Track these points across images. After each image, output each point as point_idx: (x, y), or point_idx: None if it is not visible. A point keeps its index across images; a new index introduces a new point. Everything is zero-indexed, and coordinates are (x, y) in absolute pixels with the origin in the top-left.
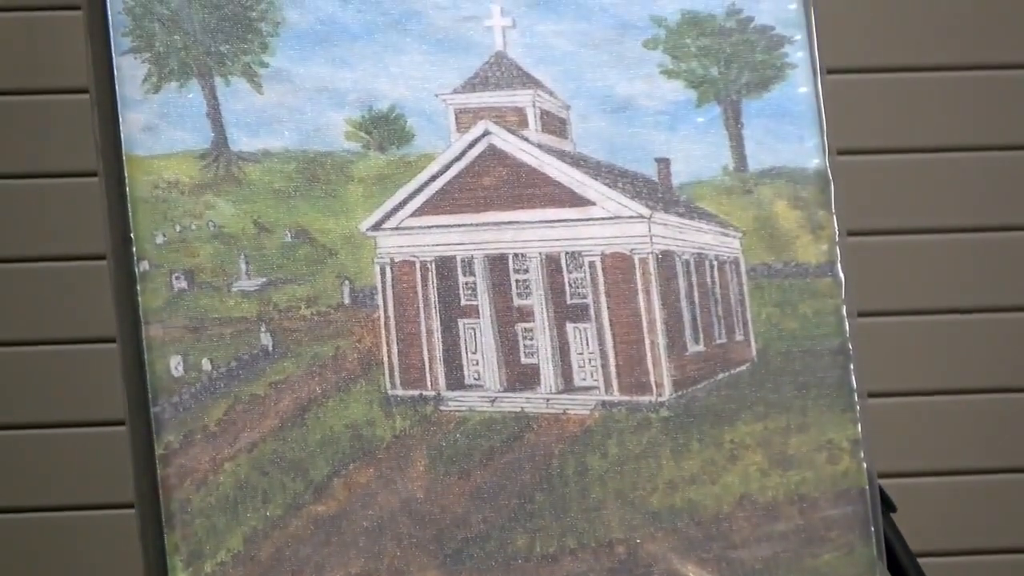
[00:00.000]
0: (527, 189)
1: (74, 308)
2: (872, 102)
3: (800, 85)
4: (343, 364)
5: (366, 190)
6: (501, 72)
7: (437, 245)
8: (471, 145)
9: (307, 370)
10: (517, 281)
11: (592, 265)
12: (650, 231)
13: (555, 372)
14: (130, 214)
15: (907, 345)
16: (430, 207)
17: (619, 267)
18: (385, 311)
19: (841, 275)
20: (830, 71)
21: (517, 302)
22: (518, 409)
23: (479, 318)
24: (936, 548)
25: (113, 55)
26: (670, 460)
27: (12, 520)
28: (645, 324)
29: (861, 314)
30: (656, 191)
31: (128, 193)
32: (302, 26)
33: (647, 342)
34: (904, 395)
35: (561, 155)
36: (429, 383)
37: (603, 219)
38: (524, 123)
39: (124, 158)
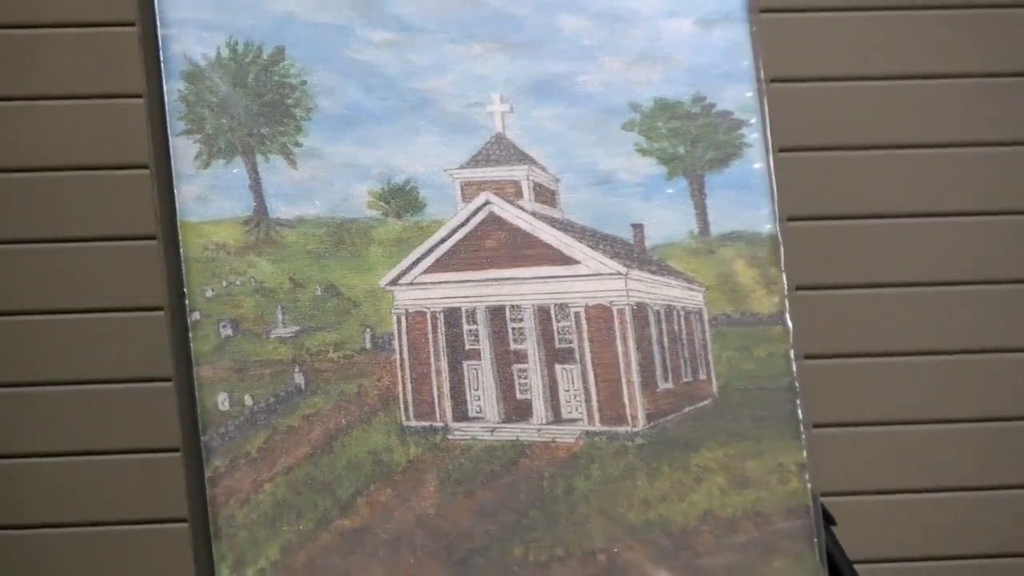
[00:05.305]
0: (522, 250)
1: (136, 352)
2: (817, 176)
3: (755, 161)
4: (365, 399)
5: (385, 251)
6: (500, 151)
7: (445, 298)
8: (474, 213)
9: (335, 405)
10: (513, 329)
11: (577, 315)
12: (627, 286)
13: (546, 406)
14: (184, 272)
15: (846, 383)
16: (439, 265)
17: (600, 317)
18: (401, 354)
19: (790, 323)
20: (781, 149)
21: (513, 346)
22: (514, 438)
23: (481, 360)
24: (870, 556)
25: (169, 136)
26: (645, 481)
27: (83, 532)
28: (622, 365)
29: (807, 356)
30: (632, 252)
31: (182, 254)
32: (332, 111)
33: (624, 380)
34: (844, 425)
35: (551, 221)
36: (438, 416)
37: (587, 276)
38: (520, 194)
39: (179, 224)
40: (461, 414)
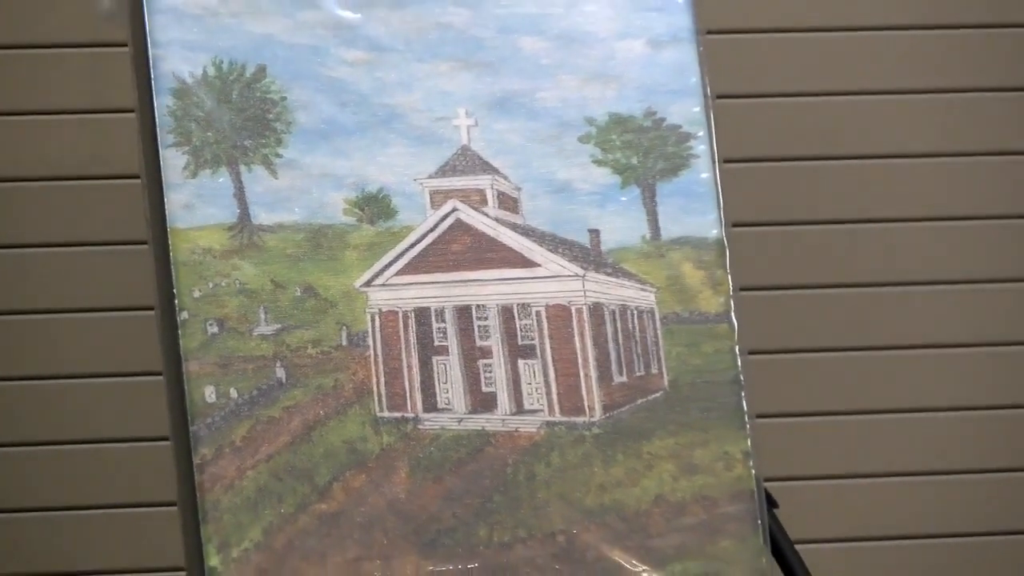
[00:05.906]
0: (487, 254)
1: (129, 348)
2: (759, 185)
3: (702, 171)
4: (341, 392)
5: (360, 255)
6: (466, 161)
7: (416, 298)
8: (442, 219)
9: (313, 397)
10: (479, 327)
11: (538, 314)
12: (584, 287)
13: (509, 398)
14: (173, 274)
15: (787, 376)
16: (410, 268)
17: (560, 315)
18: (375, 350)
19: (735, 321)
20: (726, 160)
21: (479, 343)
22: (480, 428)
23: (449, 356)
24: (810, 537)
25: (159, 148)
26: (600, 468)
27: (80, 515)
28: (580, 360)
29: (751, 352)
30: (589, 255)
31: (171, 258)
32: (309, 125)
33: (582, 374)
34: (785, 416)
35: (514, 227)
36: (409, 407)
37: (547, 277)
38: (484, 201)
39: (168, 230)
40: (431, 406)
